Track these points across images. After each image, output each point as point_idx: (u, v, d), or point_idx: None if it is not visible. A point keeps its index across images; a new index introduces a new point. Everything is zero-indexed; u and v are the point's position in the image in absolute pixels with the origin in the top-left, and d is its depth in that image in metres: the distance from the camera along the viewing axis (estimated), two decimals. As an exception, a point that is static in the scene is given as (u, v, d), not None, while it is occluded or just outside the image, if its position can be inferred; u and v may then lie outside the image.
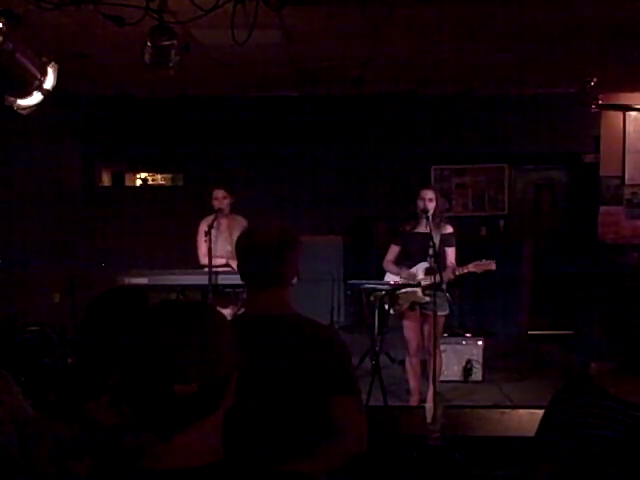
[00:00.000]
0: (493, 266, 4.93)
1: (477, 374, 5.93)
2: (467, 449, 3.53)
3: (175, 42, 3.60)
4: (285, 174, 7.91)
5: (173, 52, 3.62)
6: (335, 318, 7.59)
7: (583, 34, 4.84)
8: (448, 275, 4.88)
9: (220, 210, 5.21)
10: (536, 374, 6.05)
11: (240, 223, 5.25)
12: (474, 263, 4.93)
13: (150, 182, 9.69)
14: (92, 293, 2.24)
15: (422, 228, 4.95)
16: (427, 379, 5.19)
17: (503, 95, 7.37)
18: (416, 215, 5.00)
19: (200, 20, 3.50)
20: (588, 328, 6.22)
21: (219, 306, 4.65)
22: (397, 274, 5.09)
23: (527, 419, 3.47)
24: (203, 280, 5.01)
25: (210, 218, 5.14)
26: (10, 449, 2.02)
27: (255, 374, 1.85)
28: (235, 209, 5.42)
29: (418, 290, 4.97)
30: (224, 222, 5.33)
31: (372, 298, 5.13)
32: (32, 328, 4.78)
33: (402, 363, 5.59)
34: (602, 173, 7.66)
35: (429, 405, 4.92)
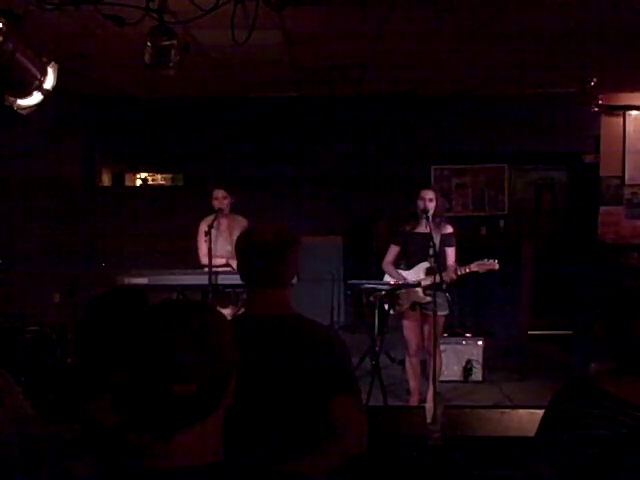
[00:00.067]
0: (496, 266, 4.92)
1: (477, 374, 5.93)
2: (467, 449, 3.53)
3: (175, 42, 3.60)
4: (285, 174, 7.91)
5: (173, 52, 3.61)
6: (335, 318, 7.60)
7: (583, 34, 4.84)
8: (450, 275, 4.88)
9: (220, 210, 5.21)
10: (536, 374, 6.05)
11: (240, 223, 5.25)
12: (477, 263, 4.93)
13: (150, 182, 9.71)
14: (92, 293, 2.25)
15: (422, 228, 4.95)
16: (427, 379, 5.19)
17: (503, 95, 7.37)
18: (416, 215, 5.00)
19: (200, 20, 3.50)
20: (588, 328, 6.21)
21: (219, 306, 4.66)
22: (394, 277, 5.08)
23: (527, 419, 3.47)
24: (203, 280, 5.01)
25: (210, 218, 5.15)
26: (10, 449, 2.02)
27: (255, 374, 1.86)
28: (235, 209, 5.42)
29: (419, 290, 4.97)
30: (224, 222, 5.33)
31: (372, 298, 5.12)
32: (32, 328, 4.78)
33: (402, 363, 5.59)
34: (602, 173, 7.66)
35: (429, 405, 4.93)
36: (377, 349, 5.01)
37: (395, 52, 5.42)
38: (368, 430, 2.01)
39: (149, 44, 3.59)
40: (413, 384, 5.19)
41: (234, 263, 4.67)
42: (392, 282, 5.03)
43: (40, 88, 3.86)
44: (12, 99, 3.84)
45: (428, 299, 4.91)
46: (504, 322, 7.22)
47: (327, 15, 4.37)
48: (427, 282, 4.89)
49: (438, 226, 4.94)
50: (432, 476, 3.54)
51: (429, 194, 4.94)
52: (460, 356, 5.94)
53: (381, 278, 5.20)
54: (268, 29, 4.45)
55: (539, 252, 7.53)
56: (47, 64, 3.89)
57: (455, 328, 6.33)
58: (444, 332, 5.51)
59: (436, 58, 5.65)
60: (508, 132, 7.58)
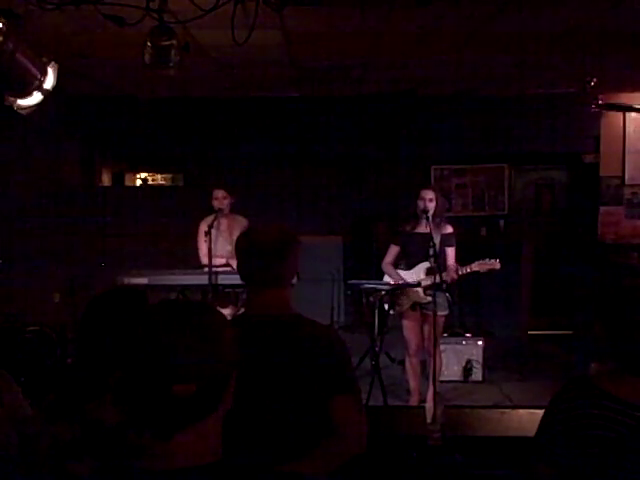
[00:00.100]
0: (497, 265, 4.91)
1: (477, 374, 5.93)
2: (467, 449, 3.53)
3: (175, 42, 3.60)
4: (285, 174, 7.91)
5: (173, 52, 3.61)
6: (335, 318, 7.60)
7: (583, 34, 4.84)
8: (451, 275, 4.88)
9: (220, 210, 5.21)
10: (536, 374, 6.05)
11: (240, 223, 5.25)
12: (478, 262, 4.92)
13: (150, 182, 9.70)
14: (92, 293, 2.24)
15: (422, 228, 4.95)
16: (427, 379, 5.19)
17: (503, 95, 7.37)
18: (416, 215, 5.00)
19: (200, 20, 3.50)
20: (588, 328, 6.21)
21: (219, 306, 4.65)
22: (393, 277, 5.08)
23: (527, 419, 3.46)
24: (203, 280, 5.01)
25: (210, 218, 5.14)
26: (10, 449, 2.02)
27: (255, 374, 1.86)
28: (235, 209, 5.42)
29: (420, 290, 4.97)
30: (224, 222, 5.33)
31: (372, 298, 5.13)
32: (32, 328, 4.78)
33: (402, 363, 5.59)
34: (602, 173, 7.66)
35: (429, 405, 4.93)
36: (377, 349, 5.01)
37: (395, 52, 5.42)
38: (368, 430, 2.01)
39: (149, 44, 3.59)
40: (413, 384, 5.19)
41: (234, 263, 4.66)
42: (392, 282, 5.03)
43: (40, 88, 3.86)
44: (12, 99, 3.84)
45: (429, 299, 4.90)
46: (504, 322, 7.22)
47: (327, 15, 4.37)
48: (427, 282, 4.89)
49: (438, 226, 4.94)
50: (432, 476, 3.53)
51: (429, 194, 4.94)
52: (460, 356, 5.94)
53: (381, 278, 5.20)
54: (268, 29, 4.45)
55: (539, 252, 7.52)
56: (47, 64, 3.89)
57: (455, 328, 6.33)
58: (444, 332, 5.51)
59: (436, 58, 5.65)
60: (508, 132, 7.58)
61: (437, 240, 4.84)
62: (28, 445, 2.03)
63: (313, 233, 7.23)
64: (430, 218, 4.83)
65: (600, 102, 7.27)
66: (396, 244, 5.17)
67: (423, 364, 5.30)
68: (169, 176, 9.67)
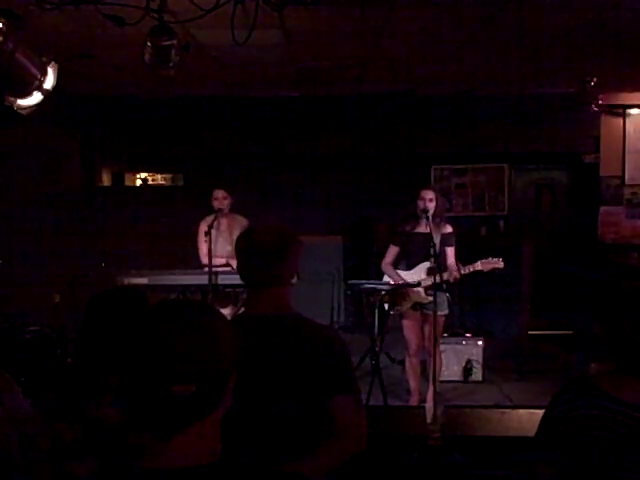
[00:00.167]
0: (501, 264, 4.90)
1: (477, 374, 5.93)
2: (467, 449, 3.53)
3: (175, 42, 3.60)
4: (285, 174, 7.91)
5: (173, 52, 3.61)
6: (335, 318, 7.61)
7: (583, 34, 4.83)
8: (454, 275, 4.87)
9: (220, 210, 5.21)
10: (536, 374, 6.05)
11: (240, 223, 5.25)
12: (481, 261, 4.91)
13: (150, 182, 9.71)
14: (92, 293, 2.24)
15: (422, 228, 4.95)
16: (427, 379, 5.19)
17: (503, 95, 7.37)
18: (416, 215, 4.99)
19: (200, 20, 3.50)
20: (588, 328, 6.21)
21: (219, 306, 4.66)
22: (393, 278, 5.08)
23: (527, 419, 3.47)
24: (203, 280, 5.01)
25: (210, 218, 5.14)
26: (10, 449, 2.02)
27: (255, 374, 1.86)
28: (235, 209, 5.42)
29: (421, 290, 4.97)
30: (224, 222, 5.33)
31: (372, 298, 5.12)
32: (32, 328, 4.78)
33: (402, 363, 5.59)
34: (602, 173, 7.65)
35: (429, 405, 4.92)
36: (377, 349, 5.00)
37: (395, 52, 5.42)
38: (368, 430, 2.01)
39: (149, 44, 3.59)
40: (413, 384, 5.19)
41: (234, 263, 4.67)
42: (392, 282, 5.03)
43: (40, 88, 3.86)
44: (12, 99, 3.84)
45: (430, 299, 4.89)
46: (504, 322, 7.22)
47: (327, 15, 4.36)
48: (429, 282, 4.88)
49: (438, 226, 4.94)
50: (432, 476, 3.53)
51: (429, 194, 4.94)
52: (460, 356, 5.94)
53: (381, 278, 5.20)
54: (268, 29, 4.45)
55: (539, 252, 7.52)
56: (47, 64, 3.89)
57: (455, 328, 6.33)
58: (444, 332, 5.51)
59: (436, 58, 5.65)
60: (508, 132, 7.58)
61: (437, 240, 4.83)
62: (28, 445, 2.03)
63: (313, 233, 7.23)
64: (430, 218, 4.82)
65: (600, 102, 7.27)
66: (395, 244, 5.17)
67: (423, 364, 5.30)
68: (169, 176, 9.67)
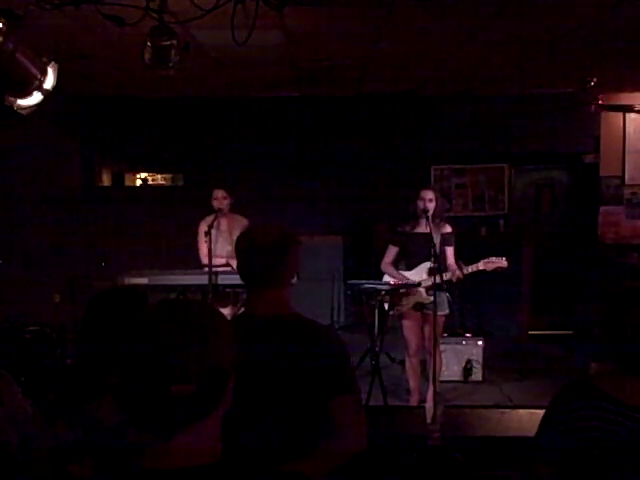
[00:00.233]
0: (504, 263, 4.89)
1: (477, 374, 5.93)
2: (467, 449, 3.53)
3: (175, 42, 3.60)
4: (285, 174, 7.91)
5: (173, 52, 3.61)
6: (335, 318, 7.60)
7: (583, 34, 4.84)
8: (457, 274, 4.87)
9: (220, 210, 5.21)
10: (536, 374, 6.05)
11: (240, 222, 5.25)
12: (484, 261, 4.89)
13: (150, 182, 9.71)
14: (92, 293, 2.24)
15: (422, 228, 4.94)
16: (427, 379, 5.19)
17: (503, 95, 7.37)
18: (416, 215, 4.99)
19: (200, 20, 3.50)
20: (588, 328, 6.22)
21: (219, 306, 4.65)
22: (395, 277, 5.08)
23: (527, 419, 3.47)
24: (203, 280, 5.01)
25: (210, 218, 5.14)
26: (10, 449, 2.02)
27: (255, 374, 1.86)
28: (235, 209, 5.42)
29: (422, 290, 4.96)
30: (224, 222, 5.33)
31: (372, 301, 5.12)
32: (32, 328, 4.78)
33: (402, 363, 5.59)
34: (602, 173, 7.66)
35: (429, 405, 4.92)
36: (377, 349, 5.00)
37: (395, 52, 5.42)
38: (368, 430, 2.01)
39: (149, 44, 3.59)
40: (413, 384, 5.19)
41: (234, 263, 4.66)
42: (392, 282, 5.03)
43: (40, 88, 3.86)
44: (12, 99, 3.84)
45: (431, 299, 4.89)
46: (504, 322, 7.22)
47: (327, 15, 4.37)
48: (430, 282, 4.88)
49: (438, 226, 4.94)
50: (432, 476, 3.53)
51: (429, 194, 4.94)
52: (460, 356, 5.94)
53: (381, 278, 5.19)
54: (268, 29, 4.45)
55: (539, 252, 7.52)
56: (47, 64, 3.89)
57: (455, 328, 6.33)
58: (444, 332, 5.51)
59: (436, 58, 5.66)
60: (508, 132, 7.58)
61: (437, 240, 4.83)
62: (28, 445, 2.03)
63: (313, 233, 7.23)
64: (430, 218, 4.82)
65: (600, 102, 7.28)
66: (395, 244, 5.16)
67: (423, 364, 5.29)
68: (169, 176, 9.67)
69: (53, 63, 3.93)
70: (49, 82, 3.91)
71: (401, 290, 4.99)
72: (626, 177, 7.60)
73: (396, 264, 5.18)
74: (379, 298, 5.02)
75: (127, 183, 9.54)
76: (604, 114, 7.51)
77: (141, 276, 5.09)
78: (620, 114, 7.49)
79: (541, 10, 4.29)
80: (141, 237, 7.38)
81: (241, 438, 1.83)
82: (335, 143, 7.72)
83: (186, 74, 5.11)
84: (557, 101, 7.37)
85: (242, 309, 2.26)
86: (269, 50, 5.18)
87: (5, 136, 5.65)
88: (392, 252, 5.17)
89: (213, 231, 5.01)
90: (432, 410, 4.75)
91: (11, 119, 4.23)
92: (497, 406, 4.76)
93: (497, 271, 4.94)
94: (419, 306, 5.03)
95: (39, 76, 3.81)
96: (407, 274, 5.06)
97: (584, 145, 7.75)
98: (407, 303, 5.03)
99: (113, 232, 7.50)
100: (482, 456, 3.51)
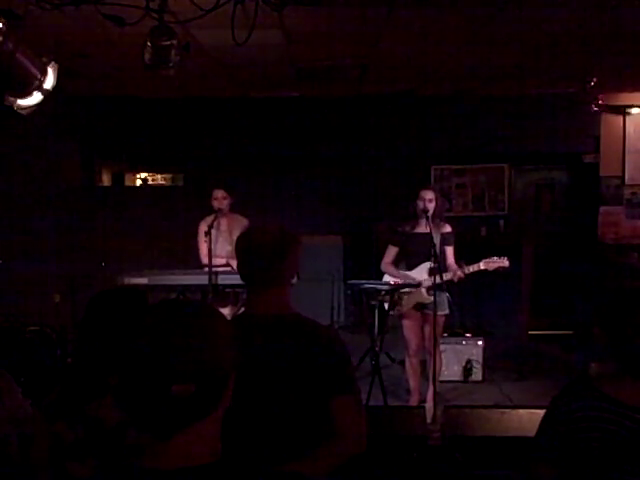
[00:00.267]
0: (506, 263, 4.89)
1: (477, 374, 5.93)
2: (467, 449, 3.53)
3: (175, 42, 3.60)
4: (285, 174, 7.91)
5: (173, 52, 3.61)
6: (335, 318, 7.60)
7: (583, 34, 4.84)
8: (458, 274, 4.87)
9: (220, 210, 5.21)
10: (536, 374, 6.05)
11: (240, 222, 5.25)
12: (485, 261, 4.89)
13: (150, 182, 9.71)
14: (92, 293, 2.24)
15: (422, 228, 4.95)
16: (427, 379, 5.19)
17: (503, 95, 7.37)
18: (416, 215, 4.99)
19: (200, 20, 3.50)
20: (588, 328, 6.21)
21: (219, 306, 4.66)
22: (397, 277, 5.08)
23: (527, 419, 3.46)
24: (203, 280, 5.01)
25: (210, 218, 5.14)
26: (10, 449, 2.02)
27: (255, 374, 1.86)
28: (235, 209, 5.42)
29: (423, 290, 4.96)
30: (224, 222, 5.33)
31: (373, 302, 5.12)
32: (32, 328, 4.78)
33: (402, 363, 5.59)
34: (602, 173, 7.66)
35: (429, 405, 4.93)
36: (377, 349, 5.00)
37: (395, 52, 5.42)
38: (368, 430, 2.01)
39: (149, 44, 3.59)
40: (413, 384, 5.19)
41: (234, 263, 4.66)
42: (392, 282, 5.03)
43: (40, 88, 3.86)
44: (12, 99, 3.84)
45: (432, 299, 4.89)
46: (504, 322, 7.22)
47: (327, 15, 4.37)
48: (430, 282, 4.88)
49: (438, 226, 4.95)
50: (432, 476, 3.53)
51: (429, 194, 4.94)
52: (460, 356, 5.94)
53: (381, 278, 5.20)
54: (268, 29, 4.45)
55: (539, 252, 7.52)
56: (47, 64, 3.89)
57: (455, 328, 6.33)
58: (444, 332, 5.51)
59: (436, 58, 5.65)
60: (508, 132, 7.58)
61: (437, 240, 4.84)
62: (28, 445, 2.03)
63: (313, 233, 7.23)
64: (430, 218, 4.82)
65: (600, 102, 7.28)
66: (394, 244, 5.17)
67: (423, 364, 5.29)
68: (169, 176, 9.67)
69: (53, 63, 3.93)
70: (49, 82, 3.91)
71: (401, 290, 4.99)
72: (626, 177, 7.60)
73: (396, 264, 5.18)
74: (379, 298, 5.03)
75: (127, 183, 9.54)
76: (604, 114, 7.51)
77: (141, 276, 5.09)
78: (620, 114, 7.48)
79: (541, 10, 4.29)
80: (141, 237, 7.38)
81: (242, 438, 1.83)
82: (335, 143, 7.72)
83: (186, 74, 5.10)
84: (557, 101, 7.36)
85: (242, 309, 2.26)
86: (269, 50, 5.18)
87: (5, 136, 5.65)
88: (392, 252, 5.17)
89: (213, 231, 5.01)
90: (432, 410, 4.75)
91: (11, 119, 4.22)
92: (497, 406, 4.76)
93: (498, 271, 4.95)
94: (419, 306, 5.04)
95: (39, 76, 3.82)
96: (408, 274, 5.06)
97: (584, 145, 7.75)
98: (407, 303, 5.03)
99: (113, 232, 7.50)
100: (482, 456, 3.51)
